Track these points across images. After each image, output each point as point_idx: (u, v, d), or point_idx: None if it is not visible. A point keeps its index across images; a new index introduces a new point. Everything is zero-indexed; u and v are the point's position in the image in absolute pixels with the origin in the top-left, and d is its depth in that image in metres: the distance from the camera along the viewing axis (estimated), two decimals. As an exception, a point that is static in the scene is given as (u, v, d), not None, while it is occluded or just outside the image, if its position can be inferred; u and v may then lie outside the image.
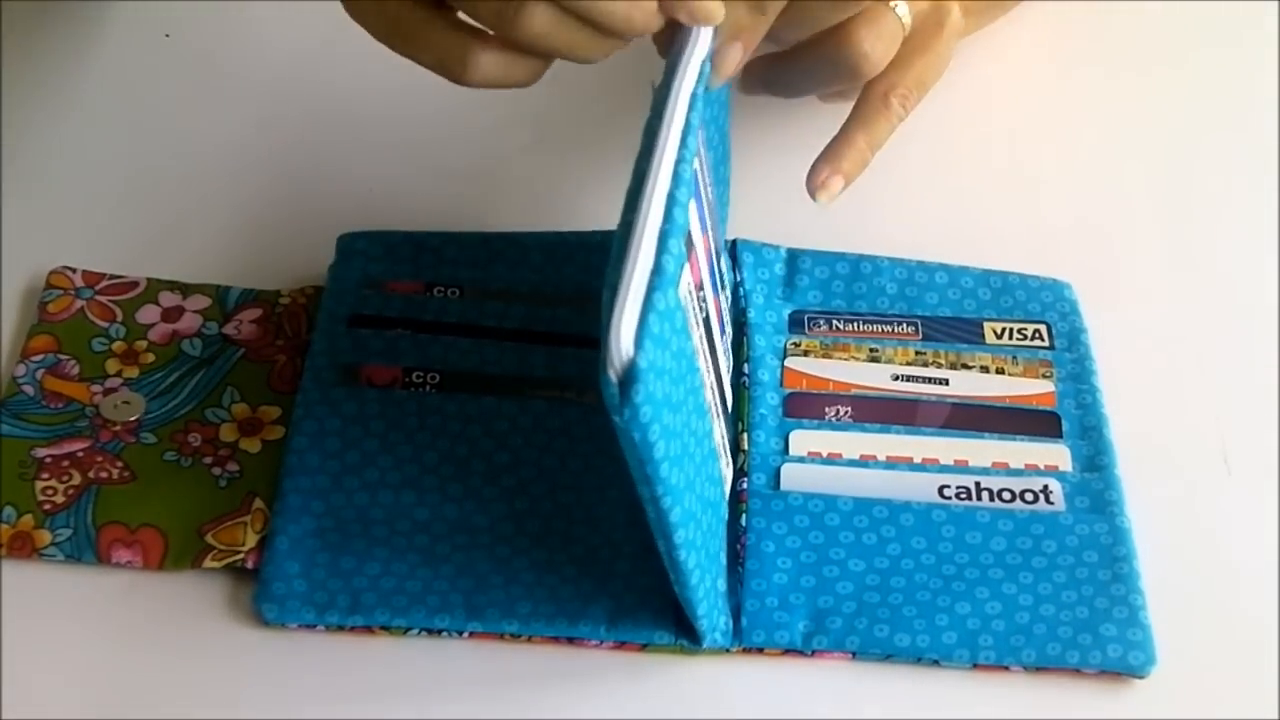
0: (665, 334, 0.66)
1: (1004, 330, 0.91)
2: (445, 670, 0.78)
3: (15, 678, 0.76)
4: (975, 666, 0.78)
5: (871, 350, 0.89)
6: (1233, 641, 0.79)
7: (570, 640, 0.78)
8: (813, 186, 0.83)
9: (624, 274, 0.65)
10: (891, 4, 0.84)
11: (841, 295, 0.92)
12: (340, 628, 0.79)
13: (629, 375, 0.63)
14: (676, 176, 0.69)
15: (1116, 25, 1.05)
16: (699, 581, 0.74)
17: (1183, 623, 0.79)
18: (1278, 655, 0.78)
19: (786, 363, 0.89)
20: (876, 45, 0.83)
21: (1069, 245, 0.93)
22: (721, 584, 0.77)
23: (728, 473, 0.81)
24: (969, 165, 0.98)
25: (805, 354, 0.89)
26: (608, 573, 0.79)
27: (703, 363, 0.75)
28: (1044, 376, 0.89)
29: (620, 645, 0.79)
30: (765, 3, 0.77)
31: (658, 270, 0.66)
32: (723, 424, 0.80)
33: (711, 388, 0.77)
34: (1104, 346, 0.88)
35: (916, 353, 0.89)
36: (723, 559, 0.78)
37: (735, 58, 0.77)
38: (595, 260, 0.82)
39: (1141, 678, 0.78)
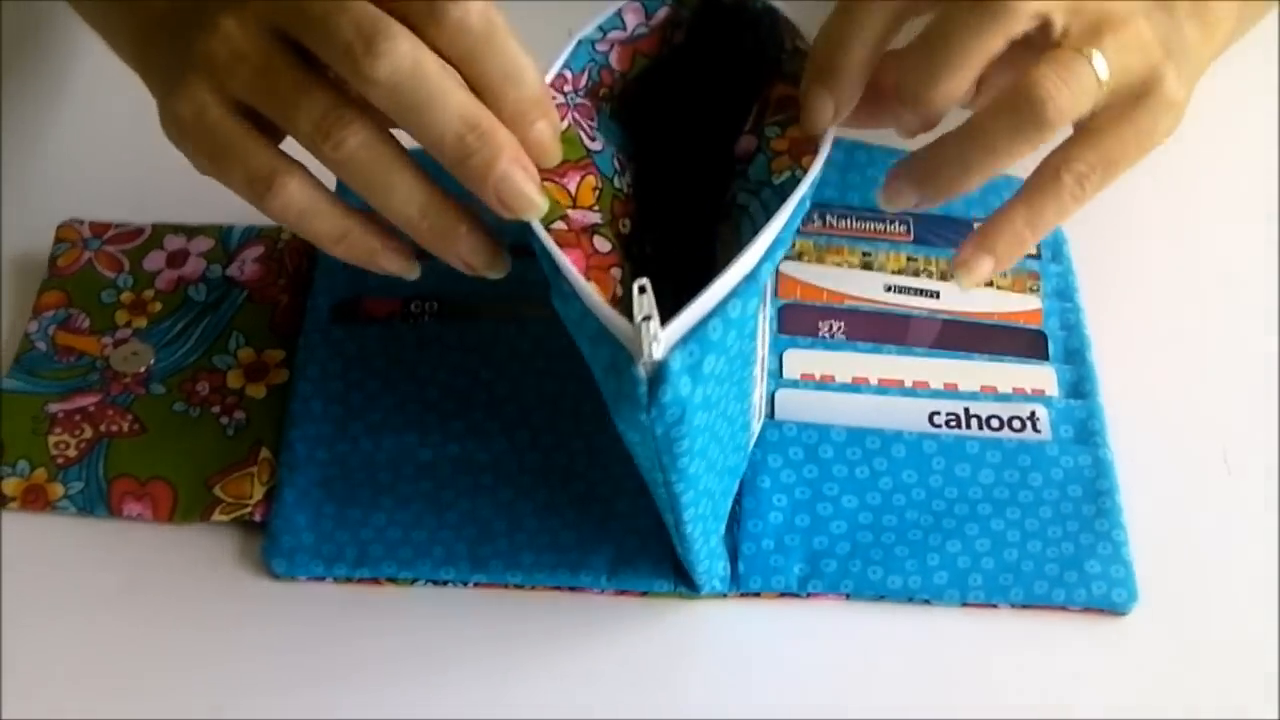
0: (724, 340, 0.64)
1: None
2: (452, 619, 0.78)
3: (28, 632, 0.77)
4: (965, 605, 0.78)
5: (864, 254, 0.88)
6: (1233, 636, 0.78)
7: (572, 588, 0.78)
8: (954, 263, 0.72)
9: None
10: (1086, 52, 0.68)
11: (834, 184, 0.90)
12: (348, 579, 0.78)
13: (659, 374, 0.62)
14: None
15: None
16: (702, 545, 0.73)
17: (1182, 618, 0.79)
18: (1278, 657, 0.77)
19: (781, 267, 0.87)
20: (1062, 90, 0.66)
21: (1068, 244, 0.90)
22: (722, 536, 0.76)
23: (756, 426, 0.80)
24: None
25: (799, 256, 0.88)
26: (608, 512, 0.79)
27: (760, 340, 0.74)
28: (1031, 290, 0.87)
29: (621, 592, 0.78)
30: (846, 49, 0.71)
31: (753, 276, 0.65)
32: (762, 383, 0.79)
33: (761, 357, 0.77)
34: (1104, 345, 0.86)
35: (909, 259, 0.88)
36: (727, 512, 0.77)
37: (824, 111, 0.72)
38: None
39: (1124, 614, 0.77)
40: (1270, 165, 0.95)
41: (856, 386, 0.83)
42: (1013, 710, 0.75)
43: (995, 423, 0.82)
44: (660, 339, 0.62)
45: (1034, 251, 0.88)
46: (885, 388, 0.83)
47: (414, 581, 0.79)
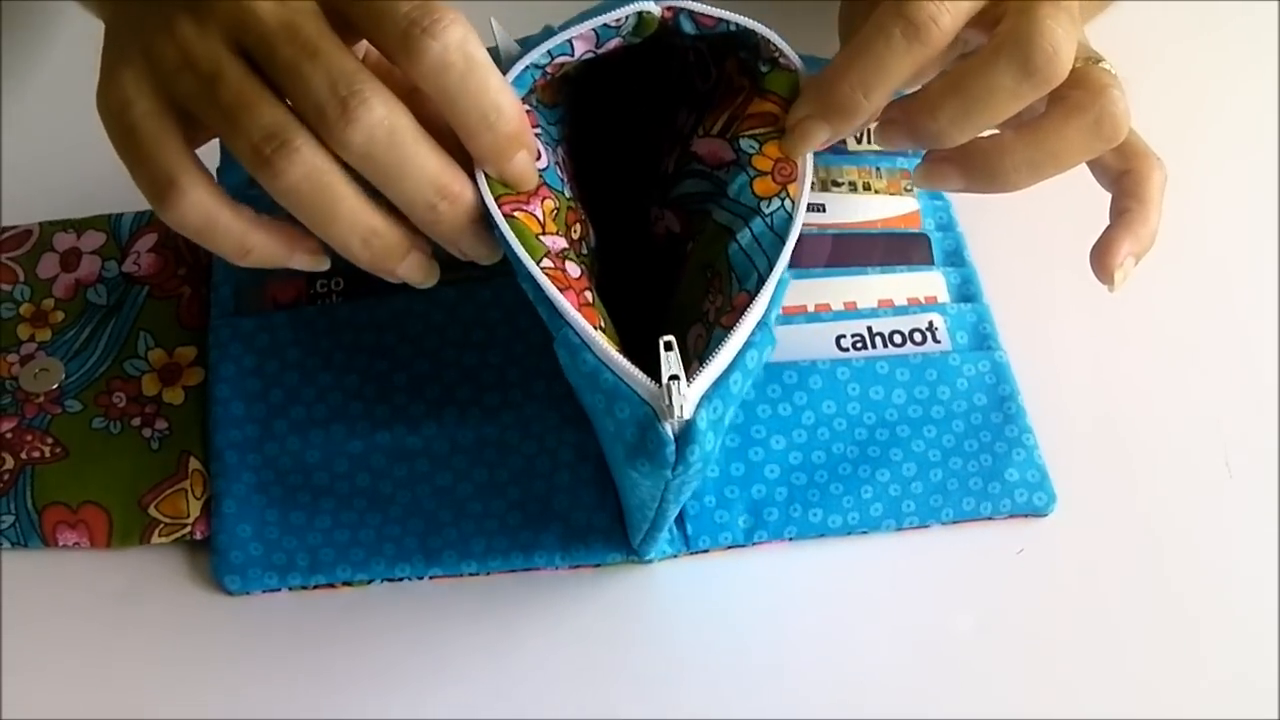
0: (740, 390, 0.63)
1: (862, 135, 0.86)
2: (412, 613, 0.75)
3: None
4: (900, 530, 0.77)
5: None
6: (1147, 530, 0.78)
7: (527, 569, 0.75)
8: (1108, 268, 0.70)
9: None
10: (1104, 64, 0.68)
11: None
12: (304, 588, 0.75)
13: (687, 434, 0.60)
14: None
15: (1118, 24, 0.91)
16: (664, 537, 0.72)
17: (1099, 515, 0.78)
18: (1278, 658, 0.75)
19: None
20: (1128, 112, 0.67)
21: (1067, 244, 0.85)
22: None
23: None
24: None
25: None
26: (550, 487, 0.75)
27: None
28: (906, 191, 0.84)
29: (575, 567, 0.76)
30: (866, 91, 0.66)
31: (764, 323, 0.64)
32: None
33: None
34: (1105, 345, 0.84)
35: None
36: None
37: (817, 140, 0.69)
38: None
39: (1044, 516, 0.77)
40: (1268, 172, 0.92)
41: (763, 318, 0.80)
42: (956, 621, 0.75)
43: (898, 338, 0.80)
44: (687, 397, 0.59)
45: None
46: (790, 315, 0.80)
47: (370, 582, 0.75)
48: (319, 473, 0.76)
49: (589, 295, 0.66)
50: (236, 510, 0.75)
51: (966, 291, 0.82)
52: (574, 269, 0.67)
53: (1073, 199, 0.73)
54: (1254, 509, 0.79)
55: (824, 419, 0.77)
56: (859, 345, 0.79)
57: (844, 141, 0.85)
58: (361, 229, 0.63)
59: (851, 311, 0.81)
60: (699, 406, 0.61)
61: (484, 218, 0.65)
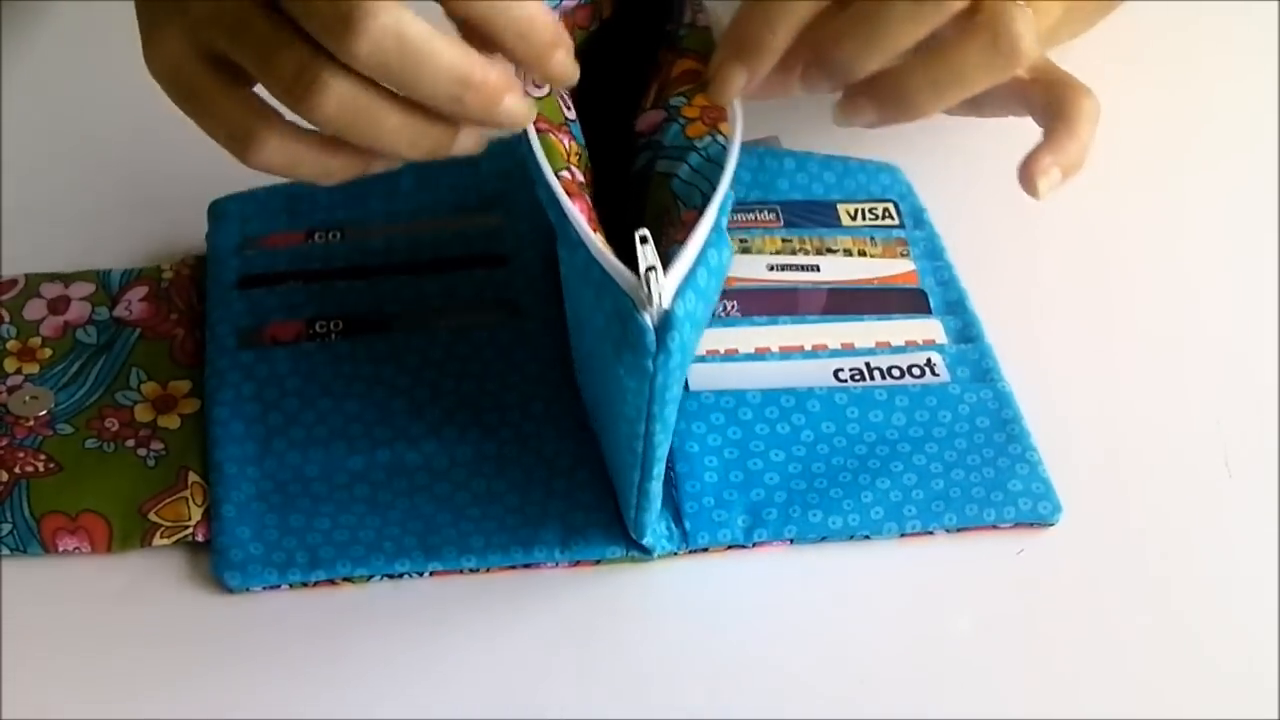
0: (708, 287, 0.64)
1: (856, 211, 0.89)
2: (412, 610, 0.73)
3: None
4: (903, 536, 0.77)
5: (741, 241, 0.86)
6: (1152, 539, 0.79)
7: (527, 565, 0.75)
8: (1031, 175, 0.71)
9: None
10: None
11: None
12: (304, 584, 0.74)
13: (666, 322, 0.62)
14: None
15: (1117, 24, 0.93)
16: (656, 501, 0.72)
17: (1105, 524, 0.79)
18: (1278, 659, 0.74)
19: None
20: (1030, 27, 0.67)
21: (1068, 244, 0.87)
22: (663, 496, 0.74)
23: None
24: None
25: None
26: (548, 492, 0.76)
27: None
28: (902, 255, 0.87)
29: (575, 564, 0.75)
30: (772, 27, 0.69)
31: (718, 227, 0.65)
32: None
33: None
34: (1104, 345, 0.85)
35: (783, 240, 0.87)
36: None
37: (737, 82, 0.71)
38: (466, 174, 0.83)
39: (1051, 525, 0.78)
40: (1268, 173, 0.93)
41: (761, 355, 0.81)
42: (956, 622, 0.75)
43: (896, 372, 0.81)
44: (665, 286, 0.61)
45: (895, 220, 0.89)
46: (788, 353, 0.81)
47: (369, 579, 0.74)
48: (317, 484, 0.76)
49: (595, 216, 0.68)
50: (236, 515, 0.74)
51: (967, 334, 0.83)
52: (586, 199, 0.69)
53: (1085, 256, 0.75)
54: (1254, 513, 0.79)
55: (823, 437, 0.78)
56: (857, 378, 0.81)
57: (838, 217, 0.89)
58: (407, 136, 0.64)
59: (849, 350, 0.82)
60: (675, 297, 0.63)
61: (512, 88, 0.65)
